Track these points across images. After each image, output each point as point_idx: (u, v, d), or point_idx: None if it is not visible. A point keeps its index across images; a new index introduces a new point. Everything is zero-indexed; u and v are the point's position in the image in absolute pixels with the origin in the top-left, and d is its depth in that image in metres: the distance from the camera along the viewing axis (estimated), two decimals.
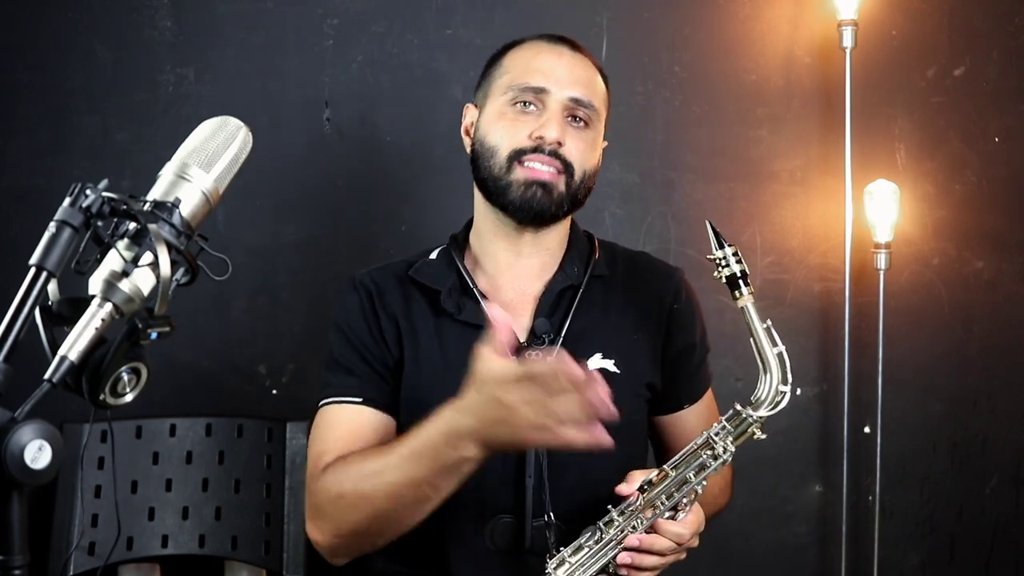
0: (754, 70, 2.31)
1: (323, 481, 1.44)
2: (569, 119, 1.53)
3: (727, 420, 1.40)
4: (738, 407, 1.40)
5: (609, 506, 1.38)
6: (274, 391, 2.21)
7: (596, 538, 1.38)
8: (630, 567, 1.36)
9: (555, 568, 1.38)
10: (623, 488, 1.37)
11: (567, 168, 1.51)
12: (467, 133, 1.62)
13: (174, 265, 0.98)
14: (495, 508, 1.48)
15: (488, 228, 1.59)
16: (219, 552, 1.99)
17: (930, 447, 2.35)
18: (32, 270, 0.94)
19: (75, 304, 0.97)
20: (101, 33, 2.17)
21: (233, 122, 1.09)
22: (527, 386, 1.20)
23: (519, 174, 1.51)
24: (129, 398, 0.99)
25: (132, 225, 0.98)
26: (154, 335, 0.98)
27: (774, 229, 2.31)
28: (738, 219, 2.29)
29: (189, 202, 1.02)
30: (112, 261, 0.97)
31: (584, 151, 1.54)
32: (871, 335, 2.26)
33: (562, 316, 1.55)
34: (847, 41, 2.21)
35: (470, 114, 1.62)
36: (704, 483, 1.39)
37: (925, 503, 2.35)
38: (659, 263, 1.70)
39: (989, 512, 2.36)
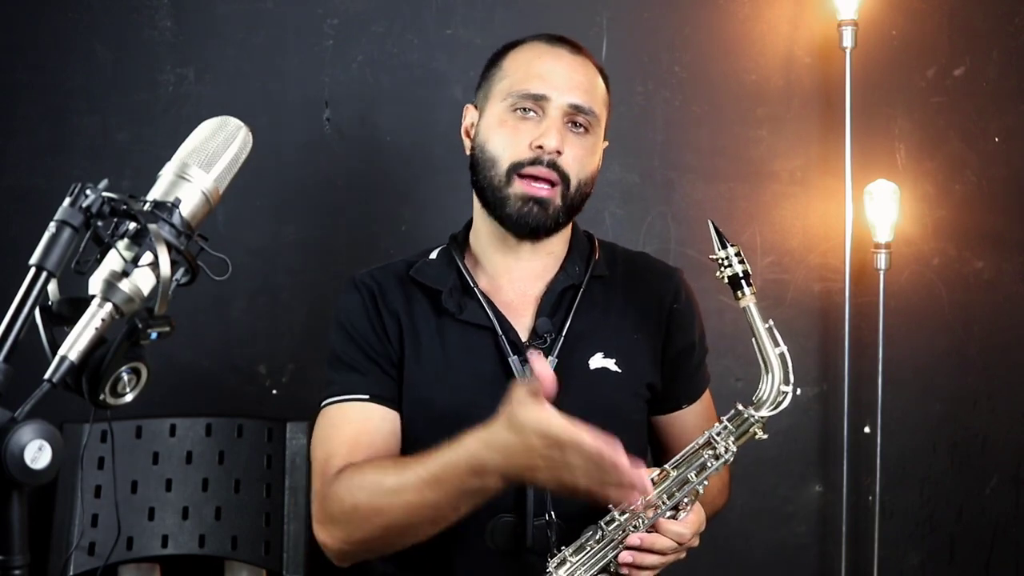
0: (754, 70, 2.31)
1: (336, 488, 1.44)
2: (569, 125, 1.53)
3: (729, 420, 1.40)
4: (740, 407, 1.40)
5: (610, 505, 1.38)
6: (274, 391, 2.21)
7: (597, 537, 1.38)
8: (631, 566, 1.36)
9: (556, 567, 1.38)
10: None
11: (563, 179, 1.51)
12: (467, 134, 1.62)
13: (174, 265, 0.98)
14: (496, 507, 1.47)
15: (486, 232, 1.59)
16: (219, 552, 1.99)
17: (930, 447, 2.35)
18: (32, 270, 0.94)
19: (75, 304, 0.97)
20: (101, 33, 2.17)
21: (233, 122, 1.09)
22: (570, 451, 1.22)
23: (517, 188, 1.51)
24: (129, 398, 0.99)
25: (132, 225, 0.98)
26: (154, 335, 0.98)
27: (774, 229, 2.31)
28: (738, 219, 2.29)
29: (189, 202, 1.02)
30: (112, 261, 0.97)
31: (582, 158, 1.54)
32: (871, 335, 2.26)
33: (563, 316, 1.56)
34: (847, 41, 2.21)
35: (470, 115, 1.62)
36: (705, 483, 1.39)
37: (925, 503, 2.35)
38: (658, 263, 1.70)
39: (989, 512, 2.36)
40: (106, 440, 1.92)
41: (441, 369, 1.53)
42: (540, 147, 1.50)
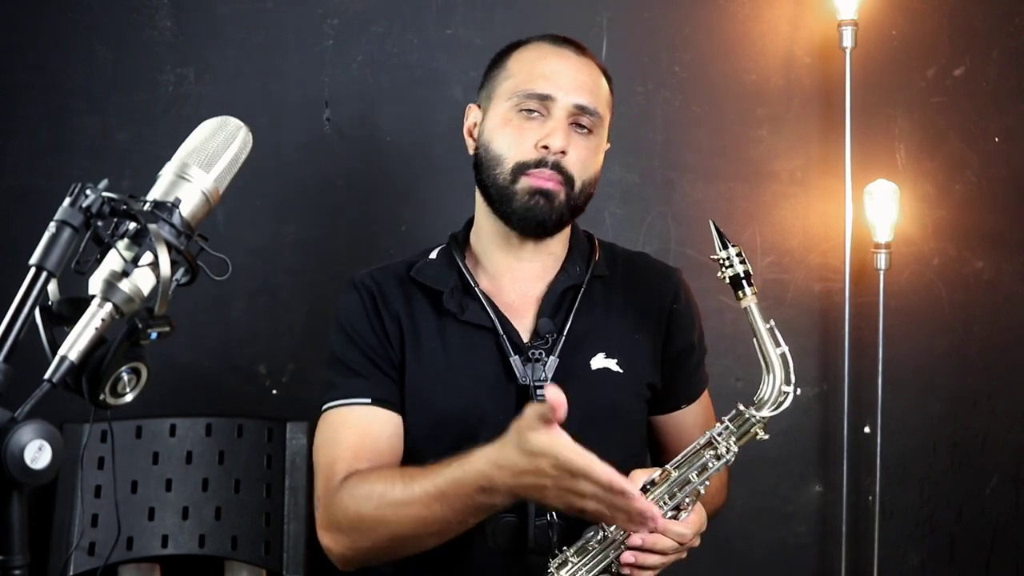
0: (754, 70, 2.31)
1: (341, 497, 1.44)
2: (573, 126, 1.53)
3: (730, 420, 1.40)
4: (741, 407, 1.40)
5: None
6: (274, 391, 2.21)
7: (599, 538, 1.38)
8: (633, 566, 1.36)
9: (558, 568, 1.38)
10: None
11: (568, 181, 1.52)
12: (470, 134, 1.62)
13: (174, 265, 0.98)
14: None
15: (489, 231, 1.59)
16: (219, 552, 1.99)
17: (930, 447, 2.35)
18: (32, 270, 0.94)
19: (75, 304, 0.97)
20: (101, 33, 2.17)
21: (233, 122, 1.09)
22: (580, 478, 1.23)
23: (523, 184, 1.51)
24: (129, 398, 0.99)
25: (132, 225, 0.98)
26: (154, 335, 0.98)
27: (774, 229, 2.31)
28: (738, 219, 2.29)
29: (189, 202, 1.02)
30: (112, 261, 0.97)
31: (586, 159, 1.54)
32: (871, 335, 2.26)
33: (564, 316, 1.56)
34: (847, 41, 2.21)
35: (473, 114, 1.62)
36: (707, 483, 1.39)
37: (925, 503, 2.35)
38: (658, 263, 1.70)
39: (989, 512, 2.36)
40: (106, 440, 1.92)
41: (442, 370, 1.53)
42: (545, 147, 1.50)
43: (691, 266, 2.07)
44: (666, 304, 1.63)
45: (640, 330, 1.60)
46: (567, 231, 1.61)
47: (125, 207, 0.97)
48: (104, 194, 0.96)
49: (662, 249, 2.26)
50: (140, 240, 0.97)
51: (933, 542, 2.35)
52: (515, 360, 1.51)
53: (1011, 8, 2.34)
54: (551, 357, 1.52)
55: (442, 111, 2.22)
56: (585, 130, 1.54)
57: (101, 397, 0.96)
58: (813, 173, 2.32)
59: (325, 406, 1.54)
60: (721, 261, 1.42)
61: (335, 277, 2.15)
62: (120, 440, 1.98)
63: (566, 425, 1.24)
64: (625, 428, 1.60)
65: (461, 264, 1.59)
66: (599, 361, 1.56)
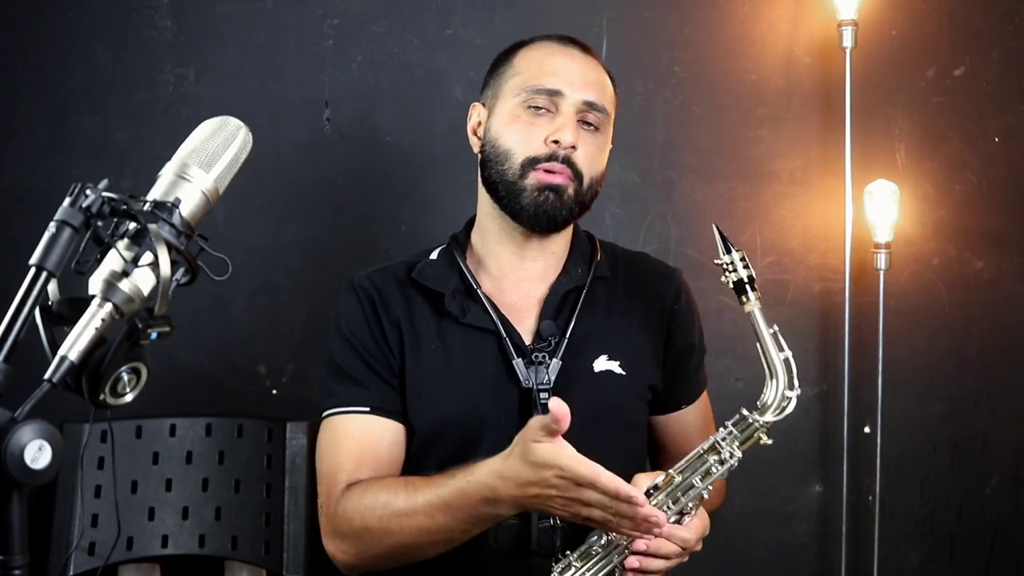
0: (754, 70, 2.31)
1: (344, 507, 1.45)
2: (581, 123, 1.53)
3: (733, 425, 1.39)
4: (744, 412, 1.39)
5: None
6: (274, 391, 2.21)
7: (603, 543, 1.38)
8: (637, 571, 1.36)
9: (561, 572, 1.39)
10: None
11: (577, 176, 1.51)
12: (474, 133, 1.61)
13: (174, 265, 0.98)
14: None
15: (493, 230, 1.58)
16: (219, 552, 1.99)
17: (930, 447, 2.35)
18: (32, 270, 0.94)
19: (75, 304, 0.97)
20: (101, 33, 2.17)
21: (233, 122, 1.09)
22: (586, 488, 1.25)
23: (532, 179, 1.50)
24: (129, 398, 0.99)
25: (132, 225, 0.98)
26: (154, 335, 0.98)
27: (774, 229, 2.31)
28: (738, 219, 2.29)
29: (189, 202, 1.03)
30: (112, 261, 0.97)
31: (594, 156, 1.54)
32: (871, 335, 2.26)
33: (567, 318, 1.55)
34: (847, 41, 2.20)
35: (477, 113, 1.61)
36: (710, 488, 1.39)
37: (925, 503, 2.35)
38: (658, 264, 1.70)
39: (989, 512, 2.36)
40: (106, 440, 1.92)
41: (443, 373, 1.52)
42: (556, 142, 1.49)
43: (691, 266, 2.07)
44: (667, 305, 1.63)
45: (642, 331, 1.60)
46: (569, 230, 1.61)
47: (125, 207, 0.97)
48: (104, 194, 0.97)
49: (662, 249, 2.26)
50: (140, 240, 0.97)
51: (933, 542, 2.35)
52: (518, 363, 1.51)
53: (1011, 8, 2.34)
54: (554, 360, 1.52)
55: (442, 111, 2.22)
56: (592, 127, 1.54)
57: (101, 397, 0.96)
58: (813, 173, 2.32)
59: (325, 413, 1.54)
60: (724, 266, 1.41)
61: (335, 277, 2.15)
62: (120, 440, 1.98)
63: (569, 428, 1.24)
64: (627, 430, 1.60)
65: (463, 265, 1.58)
66: (602, 363, 1.55)
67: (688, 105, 2.30)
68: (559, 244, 1.59)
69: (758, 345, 1.40)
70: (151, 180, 1.04)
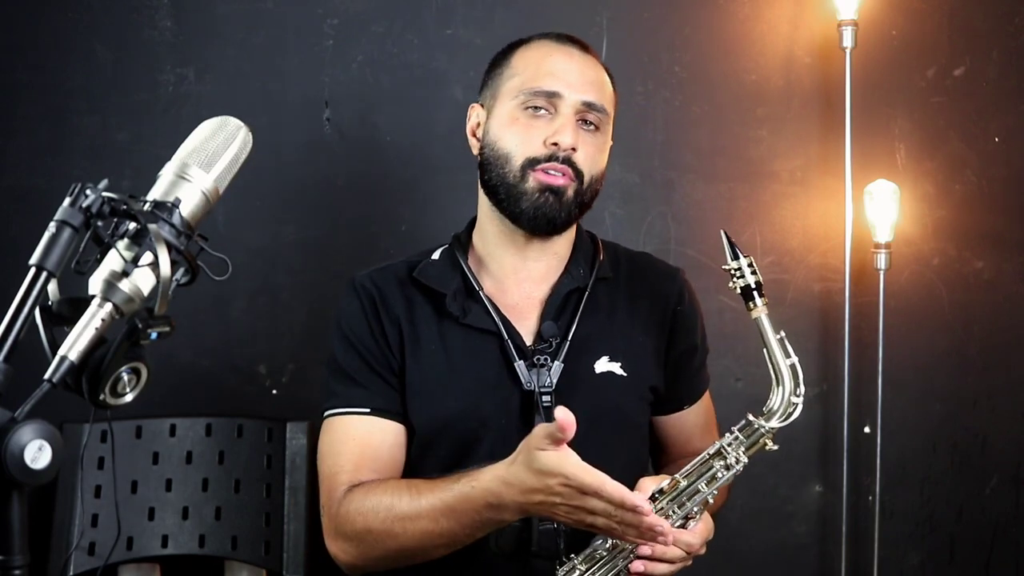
0: (754, 70, 2.31)
1: (346, 509, 1.45)
2: (580, 123, 1.52)
3: (739, 430, 1.39)
4: (751, 417, 1.39)
5: None
6: (274, 391, 2.21)
7: (608, 546, 1.37)
8: (642, 575, 1.36)
9: (566, 575, 1.38)
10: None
11: (577, 176, 1.51)
12: (473, 135, 1.61)
13: (174, 265, 0.98)
14: None
15: (494, 232, 1.58)
16: (219, 552, 1.99)
17: (930, 447, 2.35)
18: (32, 270, 0.94)
19: (75, 304, 0.97)
20: (101, 33, 2.17)
21: (233, 122, 1.09)
22: (591, 496, 1.25)
23: (532, 181, 1.50)
24: (129, 398, 0.99)
25: (132, 225, 0.98)
26: (154, 335, 0.98)
27: (774, 229, 2.31)
28: (738, 219, 2.29)
29: (189, 202, 1.02)
30: (112, 261, 0.97)
31: (594, 156, 1.53)
32: (871, 335, 2.26)
33: (569, 319, 1.55)
34: (847, 41, 2.20)
35: (476, 114, 1.61)
36: (715, 493, 1.38)
37: (925, 503, 2.35)
38: (660, 264, 1.70)
39: (989, 512, 2.36)
40: (106, 440, 1.92)
41: (443, 373, 1.52)
42: (555, 144, 1.49)
43: (691, 266, 2.06)
44: (670, 305, 1.62)
45: (644, 332, 1.60)
46: (571, 231, 1.60)
47: (125, 207, 0.97)
48: (104, 194, 0.96)
49: (662, 249, 2.26)
50: (140, 240, 0.97)
51: (933, 542, 2.35)
52: (519, 365, 1.51)
53: (1011, 8, 2.34)
54: (556, 362, 1.51)
55: (442, 111, 2.22)
56: (592, 127, 1.53)
57: (101, 397, 0.96)
58: (813, 173, 2.32)
59: (326, 413, 1.54)
60: (732, 271, 1.40)
61: (335, 277, 2.15)
62: (120, 440, 1.98)
63: None
64: (629, 431, 1.59)
65: (464, 265, 1.58)
66: (603, 364, 1.55)
67: (688, 105, 2.30)
68: (561, 245, 1.59)
69: (764, 351, 1.39)
70: (151, 180, 1.04)
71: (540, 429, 1.26)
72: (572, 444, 1.26)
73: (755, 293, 1.39)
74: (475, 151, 1.59)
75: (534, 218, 1.51)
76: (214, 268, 1.04)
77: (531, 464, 1.27)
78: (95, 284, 0.97)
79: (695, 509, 1.38)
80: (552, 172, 1.49)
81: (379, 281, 1.58)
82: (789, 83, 2.31)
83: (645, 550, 1.35)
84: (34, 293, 0.93)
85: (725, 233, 1.42)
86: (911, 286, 2.33)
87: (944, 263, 2.34)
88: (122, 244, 0.97)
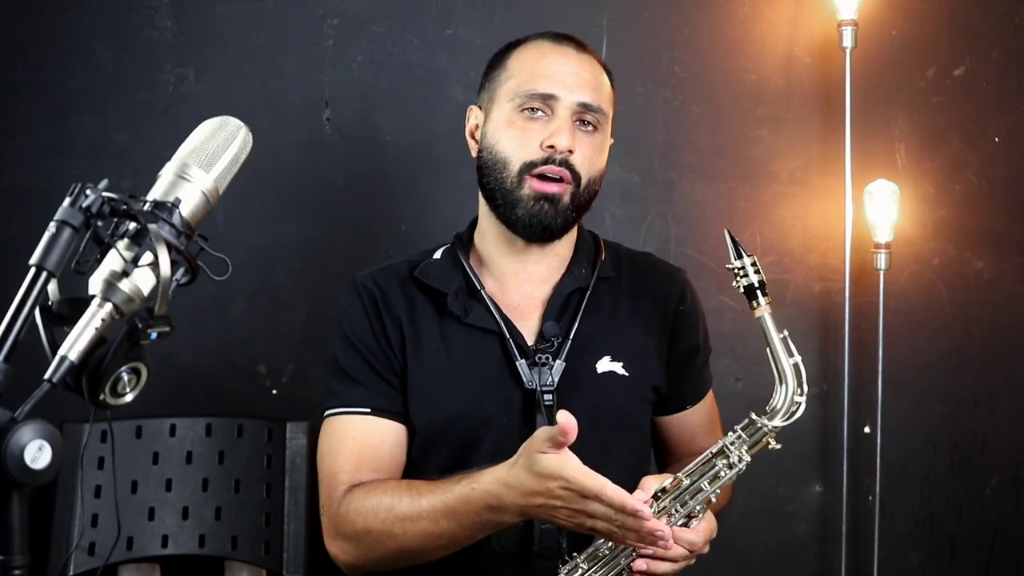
0: (754, 70, 2.31)
1: (347, 508, 1.45)
2: (577, 123, 1.52)
3: (742, 429, 1.39)
4: (754, 416, 1.39)
5: None
6: (274, 391, 2.21)
7: (610, 545, 1.37)
8: (645, 574, 1.36)
9: (568, 574, 1.39)
10: (638, 495, 1.35)
11: (575, 178, 1.51)
12: (472, 136, 1.60)
13: (174, 265, 0.98)
14: None
15: (494, 235, 1.57)
16: (219, 552, 1.99)
17: (930, 447, 2.35)
18: (32, 270, 0.94)
19: (75, 304, 0.97)
20: (101, 33, 2.17)
21: (233, 122, 1.09)
22: (591, 500, 1.25)
23: (528, 188, 1.49)
24: (129, 398, 0.99)
25: (132, 225, 0.98)
26: (154, 335, 0.98)
27: (774, 229, 2.31)
28: (738, 219, 2.29)
29: (189, 202, 1.02)
30: (112, 261, 0.97)
31: (592, 157, 1.53)
32: (871, 335, 2.26)
33: (570, 319, 1.55)
34: (847, 41, 2.20)
35: (474, 116, 1.60)
36: (718, 491, 1.38)
37: (925, 503, 2.35)
38: (662, 264, 1.70)
39: (989, 512, 2.36)
40: (106, 440, 1.92)
41: (445, 373, 1.52)
42: (551, 147, 1.49)
43: (691, 266, 2.06)
44: (672, 305, 1.62)
45: (646, 332, 1.59)
46: (573, 232, 1.60)
47: (125, 207, 0.97)
48: (104, 194, 0.96)
49: (662, 249, 2.26)
50: (140, 240, 0.97)
51: (933, 542, 2.35)
52: (521, 364, 1.50)
53: (1011, 8, 2.34)
54: (557, 361, 1.51)
55: (442, 111, 2.22)
56: (590, 127, 1.53)
57: (101, 397, 0.96)
58: (813, 173, 2.32)
59: (327, 412, 1.54)
60: (735, 271, 1.40)
61: (335, 277, 2.15)
62: (120, 440, 1.98)
63: None
64: (630, 431, 1.59)
65: (466, 265, 1.58)
66: (605, 364, 1.55)
67: (688, 105, 2.30)
68: (562, 246, 1.59)
69: (767, 350, 1.39)
70: (151, 180, 1.04)
71: (541, 432, 1.27)
72: (574, 444, 1.26)
73: (758, 292, 1.39)
74: (473, 153, 1.59)
75: (529, 225, 1.51)
76: (214, 268, 1.04)
77: (532, 467, 1.27)
78: (95, 284, 0.97)
79: (698, 508, 1.38)
80: (549, 176, 1.49)
81: (380, 281, 1.58)
82: (789, 83, 2.31)
83: (649, 549, 1.35)
84: (34, 293, 0.93)
85: (729, 232, 1.42)
86: (911, 286, 2.33)
87: (944, 263, 2.34)
88: (122, 244, 0.97)
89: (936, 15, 2.33)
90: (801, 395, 1.38)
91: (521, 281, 1.58)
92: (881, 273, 2.23)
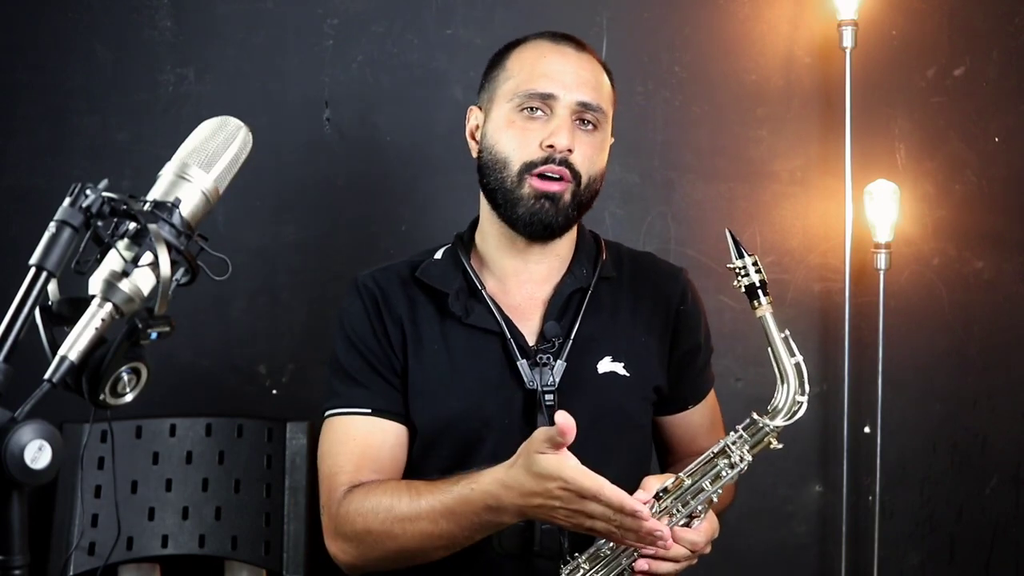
0: (754, 70, 2.31)
1: (347, 509, 1.45)
2: (577, 122, 1.52)
3: (744, 429, 1.39)
4: (755, 416, 1.39)
5: None
6: (274, 391, 2.21)
7: (611, 545, 1.37)
8: (647, 573, 1.36)
9: (570, 574, 1.39)
10: (639, 495, 1.35)
11: (575, 176, 1.51)
12: (472, 137, 1.60)
13: (174, 265, 0.98)
14: None
15: (495, 235, 1.57)
16: (219, 552, 1.99)
17: (930, 447, 2.35)
18: (32, 270, 0.94)
19: (75, 304, 0.97)
20: (101, 33, 2.17)
21: (233, 122, 1.09)
22: (590, 500, 1.26)
23: (528, 188, 1.49)
24: (129, 398, 0.99)
25: (132, 225, 0.98)
26: (154, 335, 0.98)
27: (774, 229, 2.31)
28: (738, 219, 2.29)
29: (189, 202, 1.02)
30: (112, 261, 0.97)
31: (592, 156, 1.53)
32: (871, 335, 2.26)
33: (571, 319, 1.55)
34: (847, 41, 2.20)
35: (474, 117, 1.60)
36: (719, 491, 1.38)
37: (925, 503, 2.35)
38: (663, 264, 1.70)
39: (989, 512, 2.36)
40: (106, 440, 1.92)
41: (446, 374, 1.52)
42: (551, 146, 1.49)
43: (691, 266, 2.06)
44: (673, 305, 1.62)
45: (647, 332, 1.59)
46: (573, 231, 1.60)
47: (125, 207, 0.97)
48: (104, 194, 0.96)
49: (662, 249, 2.26)
50: (140, 240, 0.97)
51: (933, 542, 2.35)
52: (522, 364, 1.50)
53: (1011, 8, 2.34)
54: (558, 361, 1.51)
55: (442, 111, 2.22)
56: (590, 126, 1.53)
57: (101, 397, 0.96)
58: (813, 173, 2.32)
59: (327, 412, 1.54)
60: (737, 270, 1.40)
61: (335, 277, 2.15)
62: (120, 440, 1.98)
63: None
64: (631, 431, 1.59)
65: (467, 265, 1.58)
66: (606, 365, 1.55)
67: (688, 105, 2.30)
68: (563, 245, 1.59)
69: (769, 350, 1.39)
70: (151, 180, 1.04)
71: (540, 433, 1.27)
72: (575, 444, 1.26)
73: (760, 292, 1.39)
74: (474, 153, 1.59)
75: (530, 224, 1.51)
76: (214, 268, 1.04)
77: (530, 467, 1.27)
78: (95, 284, 0.97)
79: (699, 508, 1.38)
80: (549, 175, 1.49)
81: (382, 281, 1.58)
82: (789, 83, 2.31)
83: (649, 549, 1.35)
84: (34, 293, 0.93)
85: (730, 232, 1.42)
86: (911, 286, 2.33)
87: (944, 263, 2.34)
88: (122, 244, 0.97)
89: (936, 15, 2.33)
90: (803, 395, 1.38)
91: (522, 281, 1.58)
92: (881, 273, 2.23)
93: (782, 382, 1.38)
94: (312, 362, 2.18)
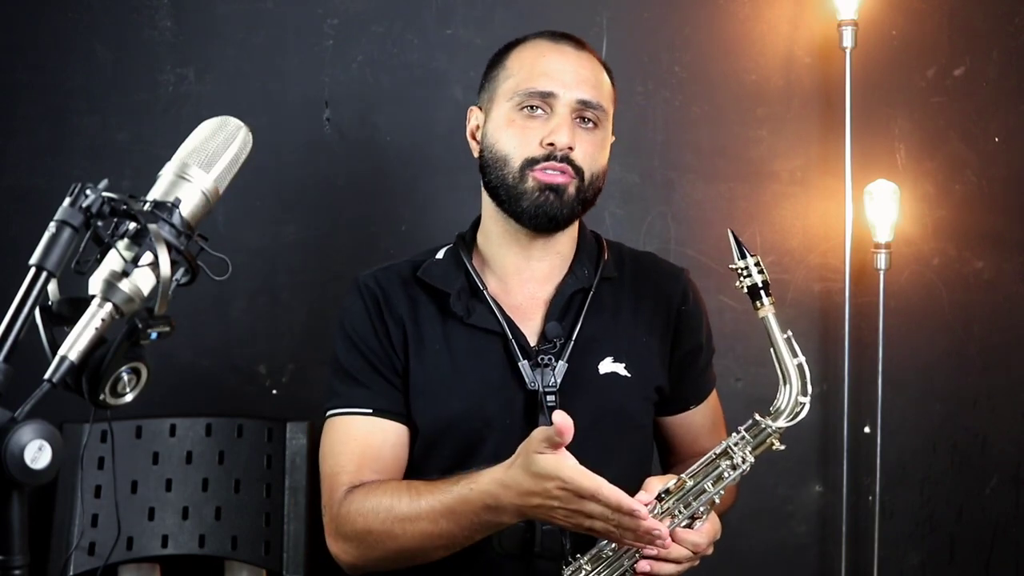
0: (754, 70, 2.31)
1: (347, 509, 1.45)
2: (578, 120, 1.52)
3: (746, 430, 1.38)
4: (757, 417, 1.38)
5: None
6: (274, 391, 2.21)
7: (613, 546, 1.37)
8: (648, 575, 1.36)
9: (572, 575, 1.38)
10: (641, 496, 1.35)
11: (578, 173, 1.51)
12: (473, 137, 1.61)
13: (174, 265, 0.98)
14: None
15: (498, 232, 1.57)
16: (219, 552, 1.99)
17: (930, 447, 2.35)
18: (32, 270, 0.94)
19: (75, 304, 0.97)
20: (101, 33, 2.17)
21: (233, 122, 1.09)
22: (588, 500, 1.26)
23: (531, 181, 1.50)
24: (129, 398, 0.99)
25: (132, 225, 0.98)
26: (154, 335, 0.98)
27: (774, 229, 2.31)
28: (738, 219, 2.29)
29: (189, 202, 1.03)
30: (112, 261, 0.97)
31: (593, 153, 1.53)
32: (871, 335, 2.26)
33: (573, 319, 1.55)
34: (847, 41, 2.20)
35: (475, 117, 1.61)
36: (721, 492, 1.38)
37: (925, 503, 2.35)
38: (665, 264, 1.70)
39: (989, 512, 2.36)
40: (106, 440, 1.92)
41: (447, 374, 1.52)
42: (551, 144, 1.49)
43: (691, 266, 2.06)
44: (674, 305, 1.62)
45: (648, 332, 1.59)
46: (575, 230, 1.60)
47: (125, 207, 0.97)
48: (104, 194, 0.96)
49: (662, 249, 2.26)
50: (140, 240, 0.97)
51: (933, 542, 2.35)
52: (523, 365, 1.50)
53: (1011, 8, 2.34)
54: (560, 362, 1.51)
55: (442, 111, 2.22)
56: (590, 124, 1.53)
57: (101, 397, 0.96)
58: (813, 173, 2.32)
59: (328, 412, 1.54)
60: (739, 270, 1.40)
61: (335, 277, 2.15)
62: (120, 440, 1.98)
63: (575, 430, 1.24)
64: (632, 432, 1.59)
65: (468, 265, 1.58)
66: (607, 365, 1.55)
67: (688, 105, 2.30)
68: (565, 244, 1.59)
69: (771, 350, 1.38)
70: (151, 180, 1.04)
71: (538, 433, 1.27)
72: (575, 444, 1.26)
73: (762, 292, 1.39)
74: (475, 153, 1.59)
75: (535, 216, 1.50)
76: (214, 268, 1.04)
77: (529, 467, 1.27)
78: (95, 284, 0.97)
79: (701, 509, 1.37)
80: (551, 171, 1.49)
81: (383, 281, 1.58)
82: (789, 83, 2.31)
83: (651, 550, 1.35)
84: (34, 293, 0.93)
85: (732, 232, 1.42)
86: (911, 286, 2.33)
87: (944, 263, 2.34)
88: (122, 244, 0.97)
89: (936, 15, 2.33)
90: (805, 396, 1.37)
91: (524, 280, 1.58)
92: (881, 273, 2.23)
93: (784, 383, 1.38)
94: (312, 362, 2.18)
